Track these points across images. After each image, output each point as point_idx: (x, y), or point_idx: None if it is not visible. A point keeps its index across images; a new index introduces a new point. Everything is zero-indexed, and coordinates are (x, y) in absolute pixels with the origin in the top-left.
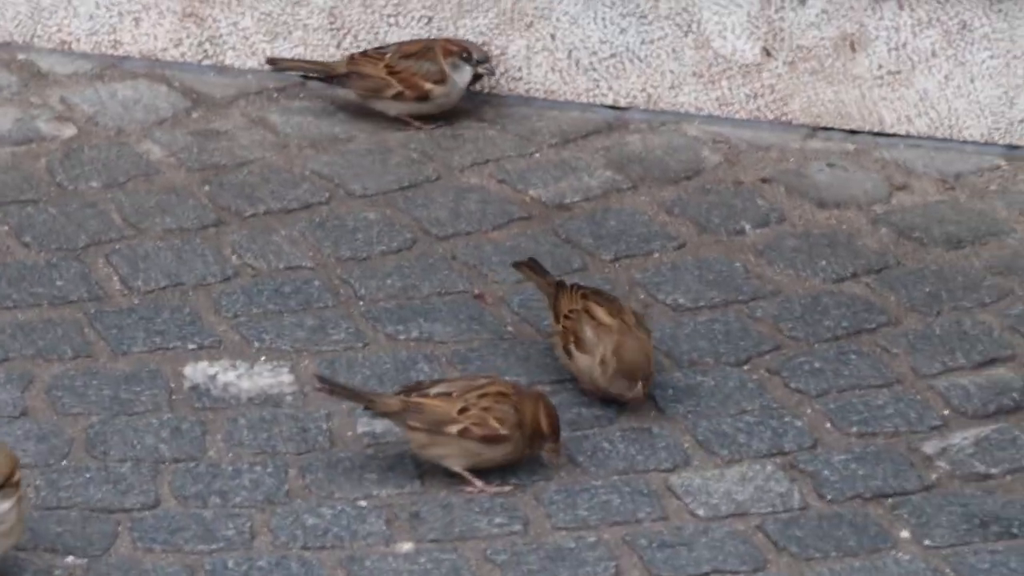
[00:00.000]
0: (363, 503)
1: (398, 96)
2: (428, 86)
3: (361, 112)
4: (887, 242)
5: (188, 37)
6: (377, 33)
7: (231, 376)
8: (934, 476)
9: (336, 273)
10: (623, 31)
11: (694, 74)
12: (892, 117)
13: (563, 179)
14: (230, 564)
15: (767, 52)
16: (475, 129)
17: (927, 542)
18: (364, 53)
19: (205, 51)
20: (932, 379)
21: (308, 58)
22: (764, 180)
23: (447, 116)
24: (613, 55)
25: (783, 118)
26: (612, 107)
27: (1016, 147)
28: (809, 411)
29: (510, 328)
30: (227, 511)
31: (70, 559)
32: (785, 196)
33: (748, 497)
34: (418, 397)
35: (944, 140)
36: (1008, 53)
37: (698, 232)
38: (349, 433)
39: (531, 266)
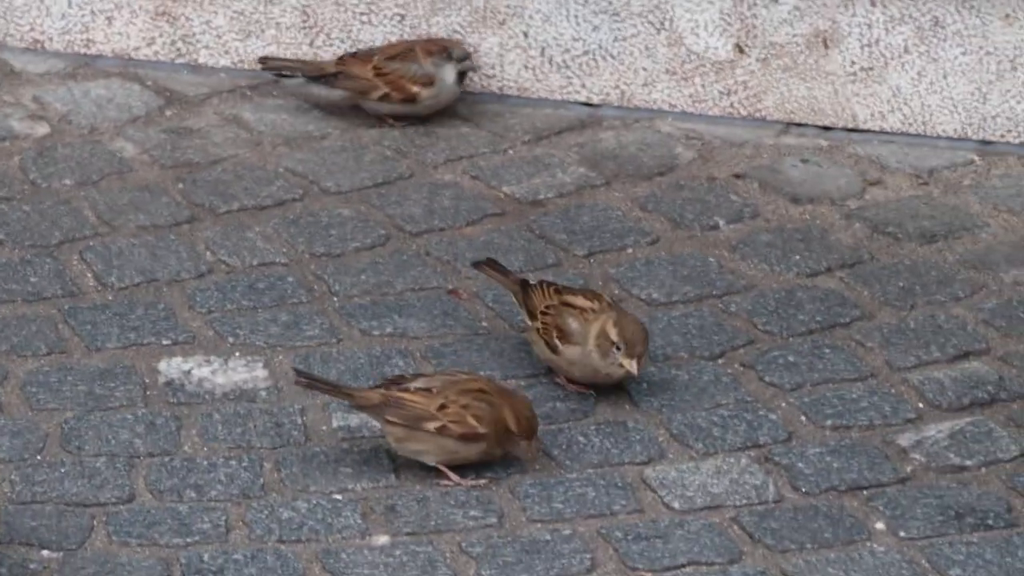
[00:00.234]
0: (338, 497)
1: (384, 98)
2: (415, 89)
3: (335, 110)
4: (861, 237)
5: (161, 36)
6: (350, 31)
7: (205, 371)
8: (909, 468)
9: (310, 269)
10: (596, 28)
11: (667, 71)
12: (865, 113)
13: (536, 175)
14: (205, 558)
15: (740, 49)
16: (449, 126)
17: (902, 534)
18: (354, 54)
19: (178, 49)
20: (906, 372)
21: (297, 57)
22: (738, 176)
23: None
24: (586, 52)
25: (756, 114)
26: (585, 104)
27: (989, 142)
28: (784, 404)
29: (484, 323)
30: (202, 505)
31: (45, 553)
32: (759, 192)
33: (723, 490)
34: (398, 392)
35: (917, 136)
36: (980, 49)
37: (672, 228)
38: (324, 427)
39: (491, 265)
